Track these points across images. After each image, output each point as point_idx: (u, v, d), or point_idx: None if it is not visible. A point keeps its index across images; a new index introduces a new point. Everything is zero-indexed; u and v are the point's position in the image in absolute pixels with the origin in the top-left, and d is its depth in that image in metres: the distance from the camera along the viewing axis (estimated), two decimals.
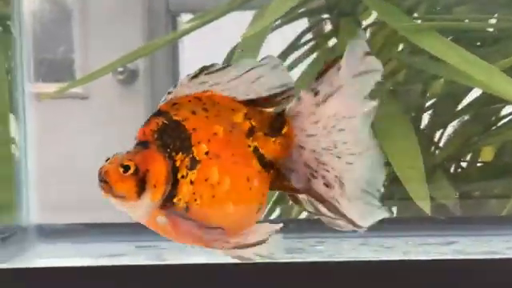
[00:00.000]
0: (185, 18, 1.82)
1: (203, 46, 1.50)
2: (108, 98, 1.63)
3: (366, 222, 0.71)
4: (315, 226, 0.98)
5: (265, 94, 0.71)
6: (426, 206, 1.04)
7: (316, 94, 0.70)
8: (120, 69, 1.54)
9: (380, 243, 0.91)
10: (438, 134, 1.33)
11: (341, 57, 0.69)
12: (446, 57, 1.13)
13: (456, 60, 1.12)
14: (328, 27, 1.41)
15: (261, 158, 0.72)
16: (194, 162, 0.69)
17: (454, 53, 1.13)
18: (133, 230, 0.81)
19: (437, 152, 1.30)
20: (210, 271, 0.77)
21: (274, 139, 0.72)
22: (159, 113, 0.71)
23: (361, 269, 0.74)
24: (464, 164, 1.36)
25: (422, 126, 1.32)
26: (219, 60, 1.59)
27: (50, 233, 0.94)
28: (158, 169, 0.69)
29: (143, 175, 0.68)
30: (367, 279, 0.73)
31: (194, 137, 0.70)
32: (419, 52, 1.29)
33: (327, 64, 0.70)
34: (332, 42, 1.40)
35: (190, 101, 0.71)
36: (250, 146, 0.71)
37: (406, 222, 1.01)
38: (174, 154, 0.69)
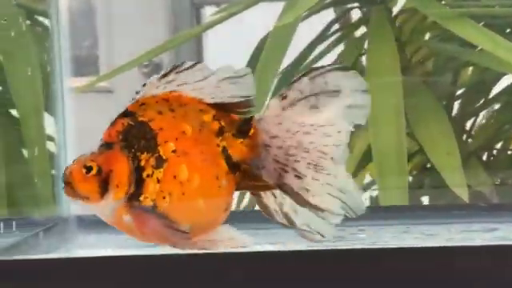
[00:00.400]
0: (209, 11, 1.82)
1: (227, 37, 1.50)
2: (133, 92, 1.64)
3: (357, 205, 0.73)
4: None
5: (226, 100, 0.73)
6: (463, 193, 1.04)
7: (284, 98, 0.72)
8: (145, 62, 1.54)
9: (422, 231, 0.90)
10: (469, 123, 1.33)
11: (316, 68, 0.72)
12: (481, 43, 1.13)
13: (490, 46, 1.11)
14: (355, 17, 1.41)
15: (228, 159, 0.73)
16: (161, 161, 0.70)
17: (488, 39, 1.12)
18: None
19: (469, 140, 1.29)
20: (253, 259, 0.77)
21: (241, 140, 0.73)
22: (126, 113, 0.72)
23: (405, 256, 0.74)
24: (495, 152, 1.36)
25: (453, 115, 1.31)
26: (244, 51, 1.58)
27: (90, 223, 0.94)
28: (121, 169, 0.70)
29: (106, 176, 0.70)
30: (412, 266, 0.73)
31: (160, 136, 0.71)
32: (449, 40, 1.29)
33: (302, 73, 0.72)
34: (359, 31, 1.39)
35: (157, 101, 0.72)
36: (218, 146, 0.73)
37: (446, 209, 1.00)
38: (138, 153, 0.70)
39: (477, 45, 1.16)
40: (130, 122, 0.71)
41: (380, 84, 1.17)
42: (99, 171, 0.69)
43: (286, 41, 1.22)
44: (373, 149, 1.13)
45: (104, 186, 0.69)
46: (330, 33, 1.35)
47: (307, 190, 0.73)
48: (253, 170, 0.73)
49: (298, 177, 0.73)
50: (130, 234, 0.72)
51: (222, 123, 0.73)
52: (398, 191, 1.06)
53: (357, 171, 1.25)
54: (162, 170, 0.70)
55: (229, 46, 1.69)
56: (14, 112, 1.25)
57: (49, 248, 0.89)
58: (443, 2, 1.32)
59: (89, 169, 0.69)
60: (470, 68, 1.35)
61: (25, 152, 1.19)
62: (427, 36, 1.35)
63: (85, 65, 1.57)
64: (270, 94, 1.23)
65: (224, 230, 0.74)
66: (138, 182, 0.70)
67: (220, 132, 0.73)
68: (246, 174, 0.74)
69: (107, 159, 0.70)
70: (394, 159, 1.11)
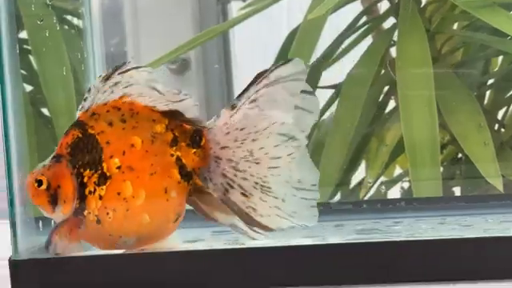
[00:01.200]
0: (235, 5, 1.82)
1: (254, 31, 1.50)
2: None
3: (308, 219, 0.73)
4: (390, 207, 0.98)
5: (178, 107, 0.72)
6: (498, 184, 1.03)
7: (233, 107, 0.72)
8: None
9: (458, 221, 0.90)
10: (500, 113, 1.32)
11: (262, 73, 0.72)
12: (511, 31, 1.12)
13: None
14: (382, 8, 1.40)
15: (182, 168, 0.73)
16: (104, 178, 0.71)
17: None
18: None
19: (502, 130, 1.28)
20: (284, 253, 0.77)
21: (194, 150, 0.73)
22: (78, 124, 0.72)
23: (442, 247, 0.74)
24: None
25: (484, 105, 1.30)
26: (270, 45, 1.58)
27: None
28: (67, 185, 0.71)
29: (54, 191, 0.72)
30: (449, 257, 0.72)
31: (106, 151, 0.71)
32: (479, 29, 1.28)
33: (250, 81, 0.72)
34: (387, 23, 1.38)
35: (108, 111, 0.72)
36: (172, 155, 0.72)
37: (482, 199, 1.00)
38: (81, 170, 0.71)
39: (507, 33, 1.15)
40: (79, 135, 0.72)
41: (411, 75, 1.17)
42: (48, 186, 0.72)
43: (316, 34, 1.21)
44: (405, 140, 1.13)
45: (53, 201, 0.72)
46: (357, 25, 1.35)
47: (254, 210, 0.73)
48: (201, 181, 0.74)
49: (244, 195, 0.73)
50: (87, 241, 0.75)
51: (176, 133, 0.73)
52: (431, 182, 1.06)
53: (389, 163, 1.25)
54: (104, 187, 0.71)
55: (255, 39, 1.69)
56: (45, 111, 1.26)
57: (88, 244, 0.89)
58: None
59: (39, 183, 0.72)
60: (501, 57, 1.34)
61: None
62: (457, 26, 1.34)
63: (114, 62, 1.58)
64: None
65: (170, 240, 0.75)
66: (82, 198, 0.72)
67: (174, 142, 0.73)
68: (197, 185, 0.74)
69: (55, 174, 0.72)
70: (427, 150, 1.10)
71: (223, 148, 0.72)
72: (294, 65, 0.74)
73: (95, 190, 0.70)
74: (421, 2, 1.29)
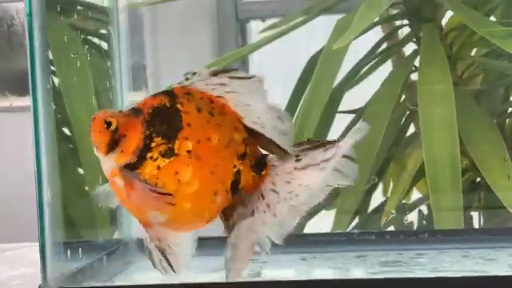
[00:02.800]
0: (254, 25, 1.83)
1: (273, 51, 1.50)
2: None
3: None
4: (413, 238, 0.98)
5: (266, 132, 0.72)
6: None
7: (298, 160, 0.72)
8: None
9: (482, 255, 0.90)
10: None
11: (334, 141, 0.72)
12: None
13: None
14: (402, 33, 1.41)
15: (236, 183, 0.73)
16: (170, 153, 0.71)
17: None
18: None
19: None
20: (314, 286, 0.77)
21: (254, 175, 0.73)
22: (169, 93, 0.72)
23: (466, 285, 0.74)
24: None
25: (505, 131, 1.31)
26: (289, 67, 1.57)
27: None
28: (133, 138, 0.71)
29: (118, 137, 0.71)
30: None
31: (184, 131, 0.71)
32: (500, 56, 1.28)
33: (319, 142, 0.72)
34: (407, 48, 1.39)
35: (202, 98, 0.72)
36: (235, 167, 0.73)
37: (505, 232, 1.00)
38: (154, 135, 0.71)
39: None
40: (167, 104, 0.71)
41: (433, 102, 1.17)
42: (115, 130, 0.71)
43: (338, 61, 1.22)
44: (426, 166, 1.13)
45: (112, 145, 0.71)
46: (378, 51, 1.36)
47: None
48: (239, 202, 0.74)
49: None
50: (118, 196, 0.73)
51: (248, 150, 0.73)
52: (452, 213, 1.06)
53: (410, 189, 1.25)
54: (167, 160, 0.71)
55: (274, 60, 1.70)
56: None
57: (112, 272, 0.90)
58: (493, 19, 1.32)
59: (109, 124, 0.71)
60: None
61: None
62: (478, 51, 1.35)
63: (136, 79, 1.59)
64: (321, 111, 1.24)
65: (184, 240, 0.75)
66: (140, 159, 0.71)
67: (243, 157, 0.73)
68: (234, 203, 0.74)
69: (127, 123, 0.71)
70: (448, 177, 1.11)
71: (273, 191, 0.73)
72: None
73: (157, 158, 0.71)
74: (442, 29, 1.30)
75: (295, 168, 0.73)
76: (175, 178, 0.71)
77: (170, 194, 0.71)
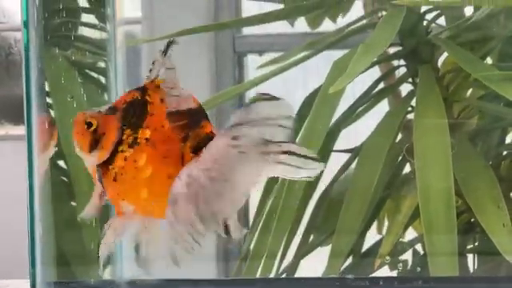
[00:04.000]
0: (251, 59, 1.83)
1: (268, 87, 1.51)
2: None
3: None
4: (407, 285, 0.97)
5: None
6: None
7: (234, 138, 0.72)
8: None
9: None
10: None
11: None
12: None
13: None
14: (398, 73, 1.41)
15: (183, 165, 0.75)
16: (134, 143, 0.75)
17: None
18: (222, 287, 0.81)
19: None
20: None
21: (192, 155, 0.75)
22: (141, 88, 0.76)
23: None
24: None
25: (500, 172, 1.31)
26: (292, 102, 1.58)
27: None
28: (111, 136, 0.75)
29: (99, 137, 0.75)
30: None
31: (147, 121, 0.75)
32: (494, 98, 1.29)
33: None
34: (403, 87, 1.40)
35: (158, 87, 0.75)
36: (179, 151, 0.75)
37: (501, 280, 0.99)
38: (125, 127, 0.75)
39: None
40: (138, 97, 0.75)
41: (428, 144, 1.18)
42: (95, 131, 0.75)
43: (334, 103, 1.23)
44: (421, 208, 1.13)
45: (94, 144, 0.75)
46: (375, 91, 1.36)
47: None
48: None
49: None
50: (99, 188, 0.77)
51: (189, 133, 0.76)
52: (447, 258, 1.05)
53: (404, 231, 1.25)
54: (132, 150, 0.75)
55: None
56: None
57: None
58: (489, 61, 1.33)
59: (89, 124, 0.75)
60: None
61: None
62: (474, 93, 1.35)
63: None
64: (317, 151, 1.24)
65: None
66: (114, 153, 0.75)
67: (184, 140, 0.75)
68: None
69: (105, 122, 0.75)
70: (443, 216, 1.11)
71: (207, 170, 0.74)
72: (284, 107, 0.74)
73: (125, 150, 0.75)
74: (439, 70, 1.31)
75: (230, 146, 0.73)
76: (133, 165, 0.75)
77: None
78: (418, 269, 1.17)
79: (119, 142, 0.75)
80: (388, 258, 1.18)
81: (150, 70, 0.76)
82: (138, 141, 0.75)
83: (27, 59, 0.94)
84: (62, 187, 1.27)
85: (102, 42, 1.19)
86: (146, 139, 0.75)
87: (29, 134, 0.92)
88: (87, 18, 1.24)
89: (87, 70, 1.29)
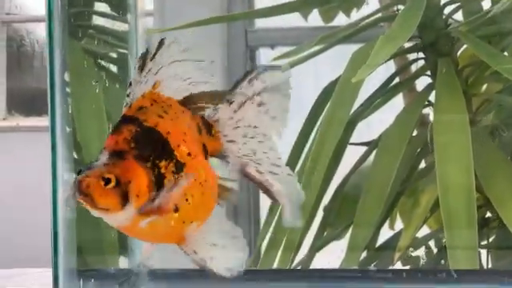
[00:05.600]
0: (263, 52, 1.82)
1: None
2: None
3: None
4: (430, 277, 0.97)
5: (194, 90, 0.71)
6: None
7: (231, 103, 0.72)
8: None
9: None
10: None
11: (252, 70, 0.72)
12: None
13: None
14: (416, 67, 1.40)
15: (206, 154, 0.73)
16: (180, 166, 0.70)
17: None
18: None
19: None
20: None
21: (211, 137, 0.73)
22: (128, 119, 0.70)
23: None
24: None
25: None
26: (303, 94, 1.57)
27: (163, 277, 0.94)
28: (140, 180, 0.68)
29: (125, 187, 0.68)
30: None
31: (171, 141, 0.70)
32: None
33: (237, 80, 0.73)
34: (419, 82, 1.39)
35: (152, 104, 0.71)
36: (200, 143, 0.72)
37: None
38: (157, 161, 0.69)
39: None
40: (137, 129, 0.69)
41: (449, 138, 1.17)
42: (118, 183, 0.67)
43: (353, 94, 1.22)
44: (441, 204, 1.12)
45: (124, 197, 0.68)
46: (392, 84, 1.35)
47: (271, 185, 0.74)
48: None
49: (259, 172, 0.74)
50: (143, 237, 0.71)
51: (198, 121, 0.73)
52: (467, 252, 1.05)
53: (422, 225, 1.24)
54: (182, 174, 0.69)
55: None
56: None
57: None
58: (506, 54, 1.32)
59: (107, 181, 0.67)
60: None
61: None
62: (492, 87, 1.34)
63: None
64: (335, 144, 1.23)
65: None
66: (160, 188, 0.69)
67: (199, 130, 0.72)
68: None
69: (124, 170, 0.68)
70: (464, 216, 1.10)
71: (231, 142, 0.73)
72: (285, 74, 0.75)
73: (174, 178, 0.69)
74: (458, 64, 1.30)
75: (234, 111, 0.73)
76: (196, 183, 0.70)
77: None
78: (442, 261, 1.16)
79: (160, 177, 0.69)
80: (412, 249, 1.18)
81: (128, 95, 0.70)
82: (183, 161, 0.70)
83: (51, 51, 0.92)
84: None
85: (122, 32, 1.18)
86: (188, 154, 0.70)
87: (52, 125, 0.91)
88: (106, 8, 1.23)
89: (107, 62, 1.28)
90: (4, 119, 2.44)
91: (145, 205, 0.69)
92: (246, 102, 0.73)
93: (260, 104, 0.73)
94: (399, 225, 1.33)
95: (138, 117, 0.70)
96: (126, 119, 0.70)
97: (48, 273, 0.93)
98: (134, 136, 0.69)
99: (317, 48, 1.35)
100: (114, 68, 1.28)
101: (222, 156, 0.74)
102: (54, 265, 0.80)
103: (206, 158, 0.73)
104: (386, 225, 1.36)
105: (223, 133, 0.73)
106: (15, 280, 1.13)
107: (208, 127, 0.73)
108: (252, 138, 0.73)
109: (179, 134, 0.70)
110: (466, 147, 1.15)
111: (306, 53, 1.36)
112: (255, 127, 0.74)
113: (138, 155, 0.69)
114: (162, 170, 0.69)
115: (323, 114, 1.26)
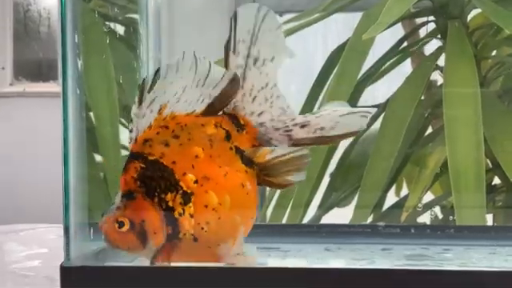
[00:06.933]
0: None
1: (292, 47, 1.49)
2: None
3: None
4: (439, 233, 0.97)
5: (215, 92, 0.71)
6: None
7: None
8: None
9: (509, 253, 0.89)
10: None
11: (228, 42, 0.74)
12: None
13: None
14: (425, 31, 1.39)
15: (243, 157, 0.72)
16: (187, 196, 0.69)
17: None
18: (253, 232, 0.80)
19: None
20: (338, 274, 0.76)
21: (243, 132, 0.72)
22: (134, 156, 0.70)
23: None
24: None
25: None
26: (303, 60, 1.56)
27: None
28: (152, 217, 0.69)
29: (140, 227, 0.69)
30: None
31: (176, 171, 0.69)
32: None
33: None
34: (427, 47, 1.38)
35: (158, 133, 0.70)
36: (232, 149, 0.71)
37: None
38: (163, 195, 0.69)
39: None
40: (141, 165, 0.69)
41: (458, 100, 1.16)
42: (132, 225, 0.69)
43: (363, 54, 1.21)
44: (449, 164, 1.11)
45: (142, 237, 0.69)
46: (401, 47, 1.34)
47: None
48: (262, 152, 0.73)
49: (302, 126, 0.75)
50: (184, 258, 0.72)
51: (224, 126, 0.72)
52: (475, 211, 1.04)
53: (430, 187, 1.24)
54: (191, 204, 0.69)
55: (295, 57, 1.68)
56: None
57: None
58: None
59: (121, 224, 0.69)
60: None
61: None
62: (502, 52, 1.33)
63: None
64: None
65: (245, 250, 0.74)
66: (173, 223, 0.69)
67: (228, 136, 0.72)
68: (260, 167, 0.73)
69: (135, 211, 0.69)
70: (472, 176, 1.09)
71: (260, 114, 0.73)
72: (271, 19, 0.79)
73: (184, 210, 0.69)
74: (468, 27, 1.29)
75: (241, 87, 0.73)
76: (208, 210, 0.70)
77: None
78: (451, 217, 1.16)
79: (169, 211, 0.69)
80: (420, 205, 1.18)
81: (131, 131, 0.70)
82: (189, 191, 0.70)
83: (63, 16, 0.91)
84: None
85: None
86: (195, 182, 0.70)
87: (64, 90, 0.90)
88: None
89: (118, 25, 1.27)
90: (11, 84, 2.44)
91: (155, 254, 0.71)
92: (244, 71, 0.72)
93: (255, 61, 0.73)
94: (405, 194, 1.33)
95: (142, 151, 0.70)
96: (133, 156, 0.70)
97: (55, 228, 0.93)
98: (139, 173, 0.69)
99: (321, 14, 1.35)
100: (121, 30, 1.27)
101: (265, 141, 0.74)
102: (64, 217, 0.80)
103: (244, 160, 0.72)
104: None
105: (248, 112, 0.73)
106: (22, 235, 1.14)
107: (236, 122, 0.73)
108: (271, 96, 0.74)
109: (187, 160, 0.70)
110: (475, 109, 1.14)
111: (311, 17, 1.35)
112: (266, 85, 0.73)
113: (145, 192, 0.69)
114: (170, 204, 0.69)
115: (332, 75, 1.25)
